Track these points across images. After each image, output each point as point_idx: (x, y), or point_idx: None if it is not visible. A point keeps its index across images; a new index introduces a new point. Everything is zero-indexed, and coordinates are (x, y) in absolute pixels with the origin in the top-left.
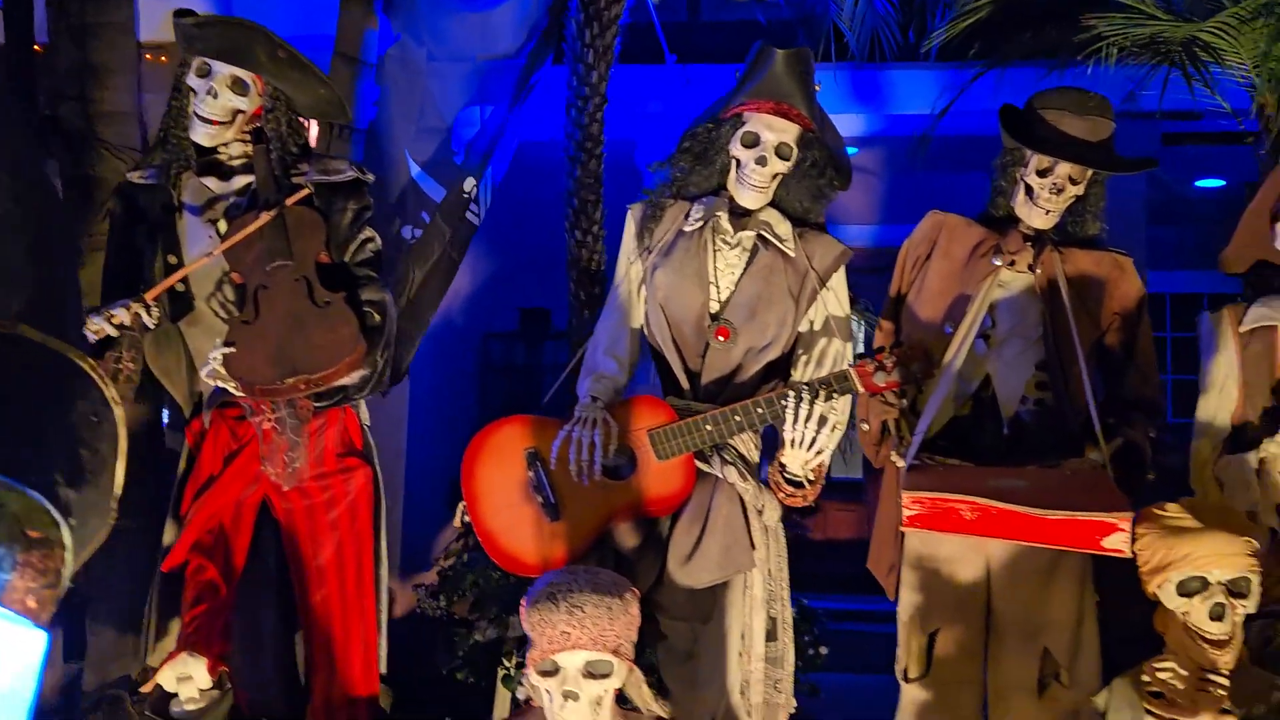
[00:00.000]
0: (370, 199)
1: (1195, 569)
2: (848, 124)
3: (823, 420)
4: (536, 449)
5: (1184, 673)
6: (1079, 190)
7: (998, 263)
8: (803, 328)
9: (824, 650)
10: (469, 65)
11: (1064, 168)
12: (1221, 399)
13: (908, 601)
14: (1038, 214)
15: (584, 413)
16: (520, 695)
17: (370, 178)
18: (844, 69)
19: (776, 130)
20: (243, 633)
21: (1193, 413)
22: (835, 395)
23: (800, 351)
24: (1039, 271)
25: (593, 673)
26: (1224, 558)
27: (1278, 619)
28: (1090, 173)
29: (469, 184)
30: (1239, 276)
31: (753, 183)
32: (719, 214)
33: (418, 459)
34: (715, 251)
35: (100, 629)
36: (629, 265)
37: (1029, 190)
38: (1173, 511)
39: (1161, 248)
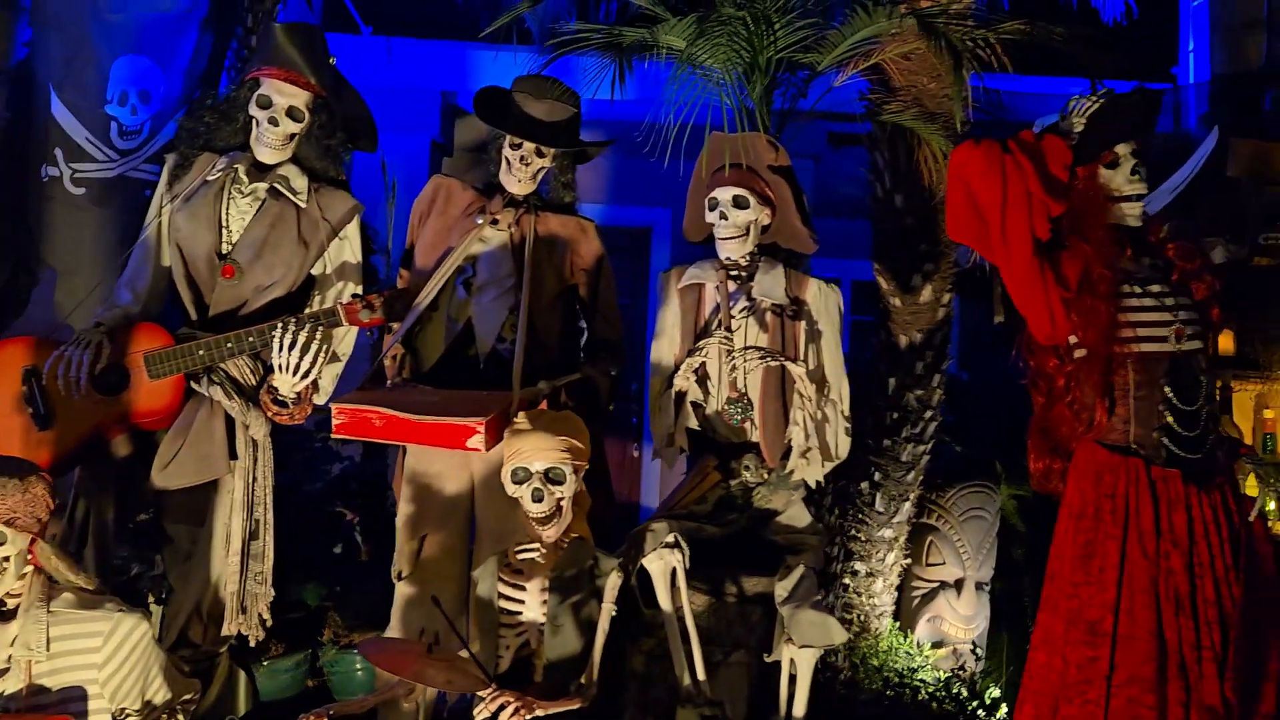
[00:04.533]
0: None
1: (521, 460)
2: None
3: (306, 349)
4: (34, 366)
5: (543, 550)
6: (547, 163)
7: (479, 221)
8: (316, 270)
9: None
10: (128, 16)
11: (530, 144)
12: (669, 344)
13: (403, 511)
14: (513, 181)
15: (82, 335)
16: None
17: None
18: (527, 52)
19: (286, 95)
20: None
21: (861, 386)
22: (323, 328)
23: (315, 291)
24: (515, 230)
25: None
26: (540, 451)
27: (685, 520)
28: (554, 150)
29: None
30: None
31: (267, 141)
32: (238, 166)
33: None
34: (229, 199)
35: None
36: (158, 210)
37: (507, 161)
38: (520, 419)
39: (830, 237)
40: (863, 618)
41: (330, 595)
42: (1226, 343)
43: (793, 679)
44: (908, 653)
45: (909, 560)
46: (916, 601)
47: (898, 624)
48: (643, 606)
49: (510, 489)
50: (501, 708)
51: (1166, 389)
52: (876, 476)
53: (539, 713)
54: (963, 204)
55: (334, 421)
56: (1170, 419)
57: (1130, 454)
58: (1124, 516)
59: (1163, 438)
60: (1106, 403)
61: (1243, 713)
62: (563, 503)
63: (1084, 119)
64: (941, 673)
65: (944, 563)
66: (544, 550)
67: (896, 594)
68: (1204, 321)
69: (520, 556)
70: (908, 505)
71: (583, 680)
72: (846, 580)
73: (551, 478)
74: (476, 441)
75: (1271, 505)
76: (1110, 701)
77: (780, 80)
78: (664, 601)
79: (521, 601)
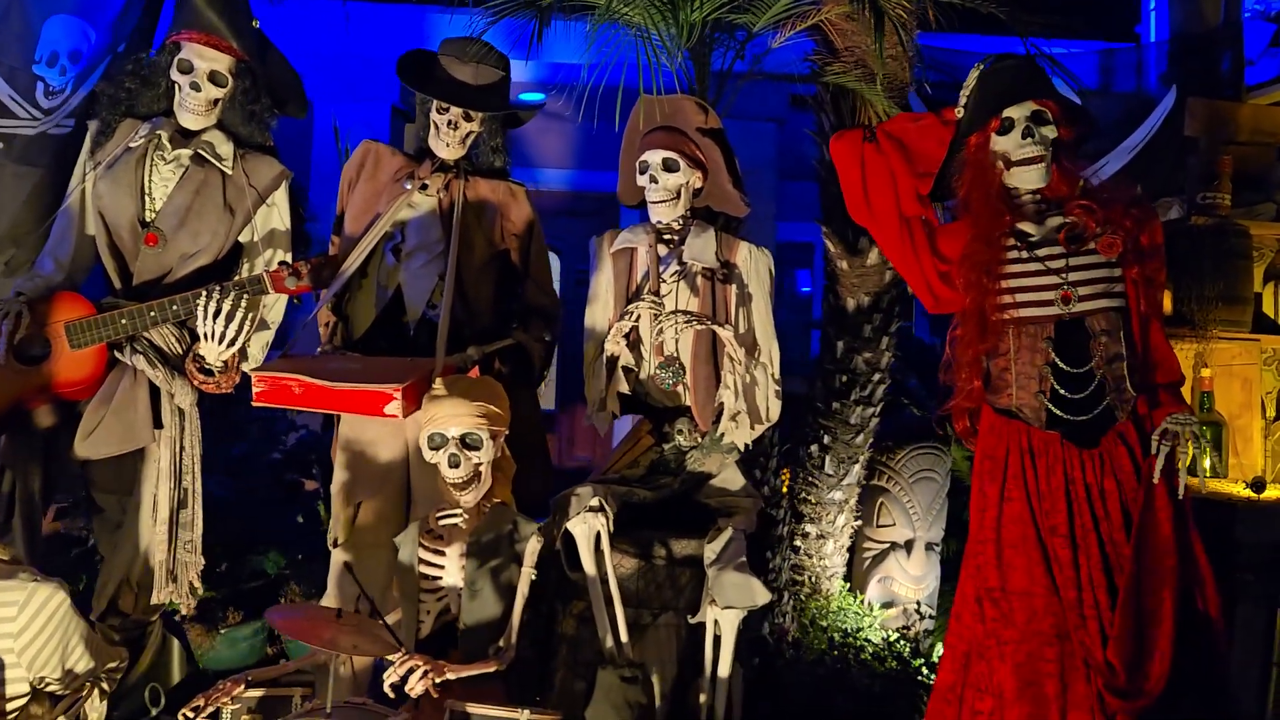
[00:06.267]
0: None
1: (437, 426)
2: (523, 70)
3: (231, 317)
4: None
5: (465, 516)
6: (475, 126)
7: (408, 186)
8: (244, 238)
9: None
10: None
11: (457, 108)
12: (602, 309)
13: (337, 479)
14: (441, 146)
15: (1, 306)
16: None
17: None
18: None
19: (208, 59)
20: None
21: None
22: (249, 295)
23: (243, 259)
24: (444, 196)
25: None
26: (455, 417)
27: (617, 484)
28: (483, 114)
29: None
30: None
31: (190, 106)
32: (161, 133)
33: None
34: (152, 166)
35: None
36: (81, 177)
37: (435, 126)
38: (436, 385)
39: (793, 200)
40: (814, 579)
41: (291, 564)
42: (1163, 301)
43: (718, 640)
44: (856, 613)
45: (860, 522)
46: (867, 563)
47: (849, 585)
48: (567, 570)
49: (427, 455)
50: (411, 672)
51: (1051, 353)
52: (826, 439)
53: (450, 676)
54: (846, 187)
55: (254, 389)
56: (1054, 382)
57: (1015, 417)
58: (1003, 477)
59: (1046, 401)
60: (982, 367)
61: (1130, 683)
62: (481, 468)
63: (967, 90)
64: (890, 633)
65: (894, 524)
66: (466, 516)
67: (848, 555)
68: (1113, 280)
69: (442, 522)
70: (857, 467)
71: (501, 644)
72: (798, 542)
73: (468, 443)
74: (394, 408)
75: (1206, 463)
76: (1013, 656)
77: (720, 41)
78: (588, 565)
79: (441, 566)
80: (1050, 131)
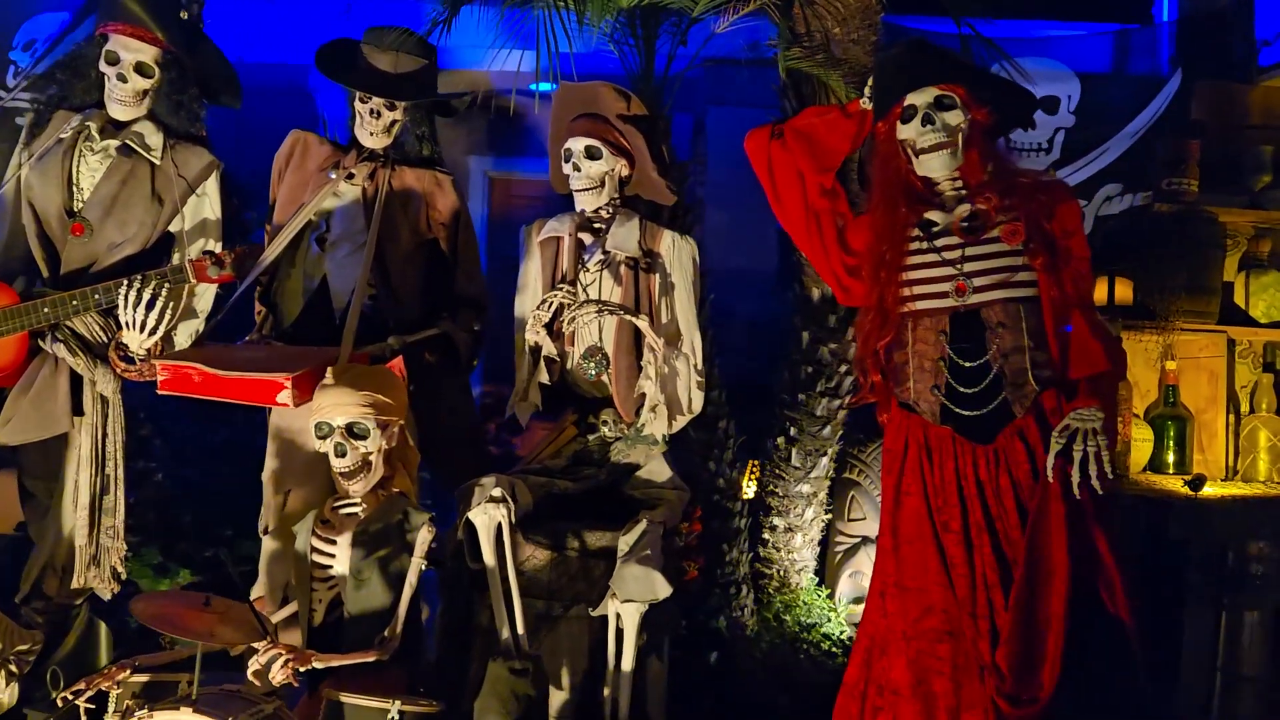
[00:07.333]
0: None
1: (322, 415)
2: (531, 60)
3: (152, 305)
4: None
5: (364, 506)
6: (398, 115)
7: (333, 176)
8: (174, 227)
9: None
10: None
11: (378, 97)
12: (531, 298)
13: (268, 467)
14: (365, 135)
15: None
16: None
17: None
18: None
19: (133, 50)
20: None
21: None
22: (171, 284)
23: (175, 249)
24: (369, 185)
25: None
26: (340, 406)
27: (536, 475)
28: (406, 102)
29: None
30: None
31: (118, 97)
32: (90, 123)
33: None
34: (80, 157)
35: None
36: (15, 168)
37: (360, 115)
38: (327, 374)
39: None
40: (782, 573)
41: None
42: (1125, 291)
43: (621, 633)
44: (820, 608)
45: (831, 515)
46: (839, 557)
47: (819, 579)
48: (469, 561)
49: (316, 444)
50: (274, 660)
51: (945, 346)
52: (792, 431)
53: (317, 665)
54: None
55: (158, 378)
56: (948, 376)
57: (914, 411)
58: (899, 471)
59: (940, 395)
60: (883, 361)
61: (1019, 688)
62: (370, 458)
63: (872, 80)
64: (852, 629)
65: (865, 518)
66: (364, 506)
67: (819, 549)
68: (1016, 269)
69: (341, 512)
70: (825, 460)
71: (385, 634)
72: (765, 535)
73: (354, 432)
74: (285, 397)
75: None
76: (906, 652)
77: (667, 28)
78: (487, 556)
79: (333, 555)
80: (955, 117)
